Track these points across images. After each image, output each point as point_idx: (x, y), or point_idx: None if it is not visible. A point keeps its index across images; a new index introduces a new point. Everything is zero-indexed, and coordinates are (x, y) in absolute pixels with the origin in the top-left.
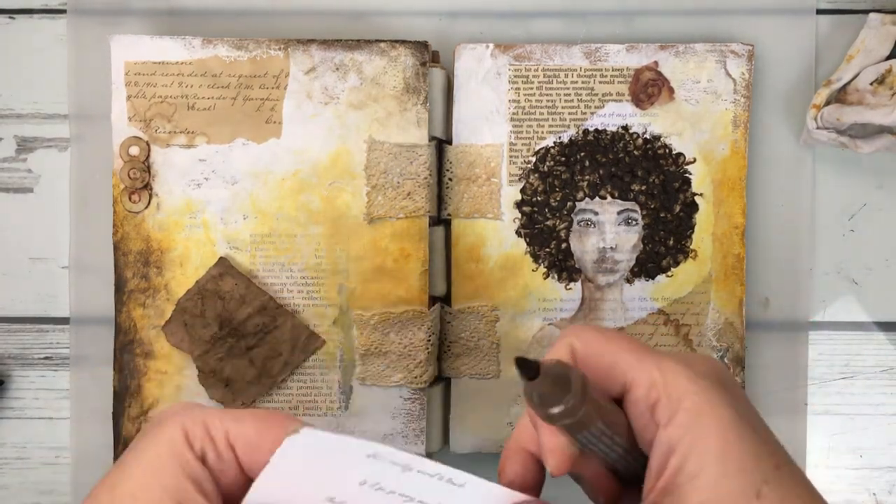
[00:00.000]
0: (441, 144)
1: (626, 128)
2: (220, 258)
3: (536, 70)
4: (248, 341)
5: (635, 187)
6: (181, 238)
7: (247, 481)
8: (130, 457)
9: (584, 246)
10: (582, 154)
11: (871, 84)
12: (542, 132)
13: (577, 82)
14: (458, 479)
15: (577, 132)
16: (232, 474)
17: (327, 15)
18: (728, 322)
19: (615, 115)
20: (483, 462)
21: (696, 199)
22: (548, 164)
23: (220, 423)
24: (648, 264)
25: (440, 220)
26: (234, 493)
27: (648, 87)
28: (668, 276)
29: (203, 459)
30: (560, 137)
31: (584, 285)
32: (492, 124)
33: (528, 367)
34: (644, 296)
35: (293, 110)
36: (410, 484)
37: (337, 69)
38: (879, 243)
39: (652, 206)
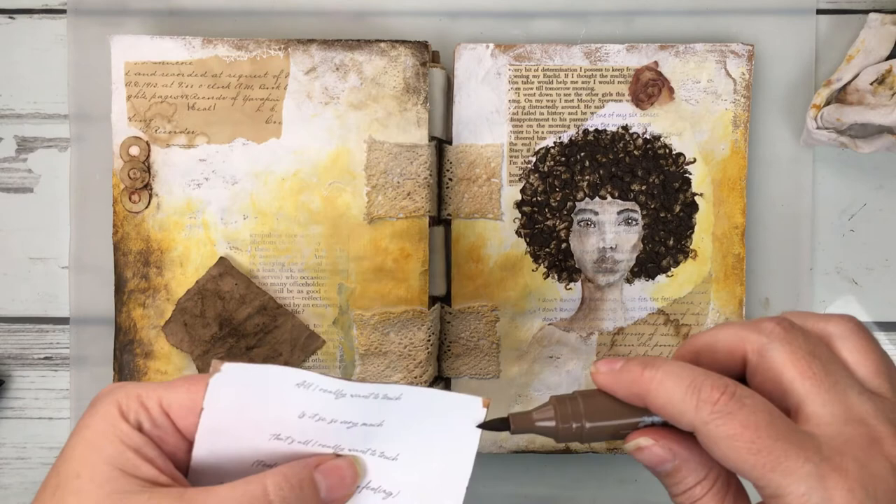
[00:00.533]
0: (441, 144)
1: (626, 128)
2: (220, 258)
3: (536, 70)
4: (248, 341)
5: (635, 187)
6: (181, 238)
7: (190, 445)
8: (71, 440)
9: (584, 246)
10: (582, 154)
11: (871, 84)
12: (542, 132)
13: (577, 82)
14: (393, 392)
15: (577, 132)
16: (172, 440)
17: (327, 15)
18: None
19: (615, 115)
20: (483, 462)
21: (696, 199)
22: (548, 164)
23: (152, 392)
24: (648, 264)
25: (440, 220)
26: (181, 457)
27: (648, 87)
28: (668, 276)
29: (140, 428)
30: (560, 137)
31: (584, 285)
32: (492, 124)
33: (502, 425)
34: (644, 296)
35: (293, 110)
36: (348, 409)
37: (337, 69)
38: (879, 243)
39: (652, 206)
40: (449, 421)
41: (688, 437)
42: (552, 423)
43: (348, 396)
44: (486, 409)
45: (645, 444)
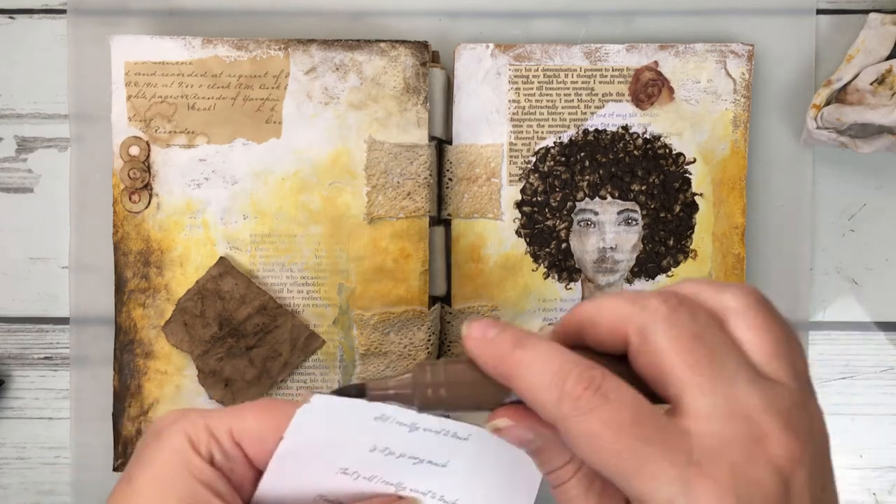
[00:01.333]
0: (441, 144)
1: (626, 128)
2: (220, 258)
3: (536, 70)
4: (247, 341)
5: (635, 187)
6: (181, 238)
7: (258, 474)
8: (137, 470)
9: (584, 246)
10: (582, 154)
11: (871, 84)
12: (542, 132)
13: (577, 82)
14: (462, 432)
15: (577, 132)
16: (242, 470)
17: (327, 15)
18: None
19: (615, 115)
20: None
21: (696, 199)
22: (548, 164)
23: (221, 422)
24: (648, 264)
25: (440, 220)
26: (247, 487)
27: (648, 87)
28: (668, 276)
29: (211, 461)
30: (560, 137)
31: (584, 285)
32: (492, 124)
33: (357, 391)
34: None
35: (293, 110)
36: (417, 444)
37: (337, 69)
38: (879, 243)
39: (652, 206)
40: (509, 468)
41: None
42: (409, 390)
43: (421, 430)
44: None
45: (503, 425)
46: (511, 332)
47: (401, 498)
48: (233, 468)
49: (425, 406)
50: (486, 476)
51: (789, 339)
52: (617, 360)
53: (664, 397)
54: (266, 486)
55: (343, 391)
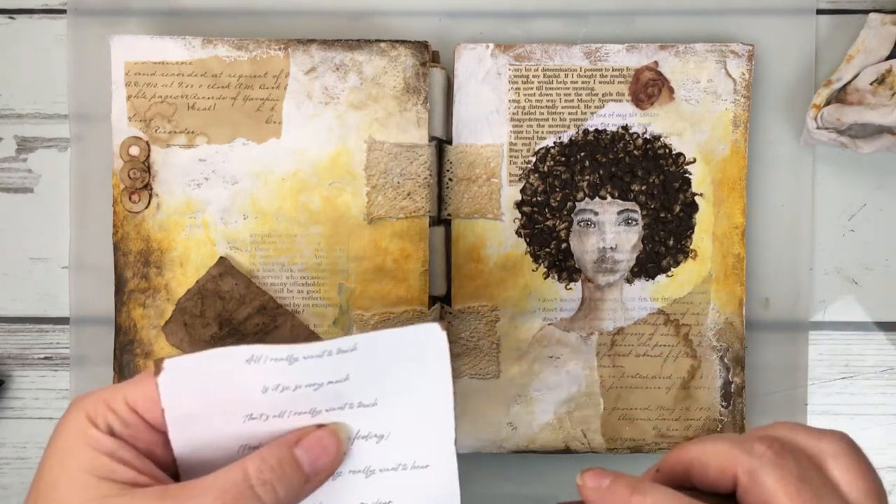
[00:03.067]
0: (441, 144)
1: (626, 128)
2: (220, 258)
3: (536, 70)
4: (247, 341)
5: (635, 187)
6: (181, 238)
7: (166, 437)
8: (45, 454)
9: (584, 246)
10: (582, 154)
11: (871, 84)
12: (542, 132)
13: (577, 82)
14: (346, 344)
15: (577, 132)
16: (146, 436)
17: (327, 15)
18: (728, 322)
19: (615, 115)
20: (483, 462)
21: (696, 199)
22: (548, 164)
23: (117, 393)
24: (648, 264)
25: (440, 220)
26: (160, 452)
27: (648, 87)
28: (668, 276)
29: (112, 432)
30: (560, 137)
31: (584, 285)
32: (492, 124)
33: None
34: (644, 296)
35: (293, 110)
36: (307, 372)
37: (337, 69)
38: (879, 243)
39: (652, 206)
40: (413, 355)
41: None
42: None
43: (301, 359)
44: (444, 333)
45: None
46: (625, 480)
47: (320, 426)
48: (135, 434)
49: None
50: (393, 370)
51: (878, 481)
52: (724, 498)
53: None
54: (179, 449)
55: None
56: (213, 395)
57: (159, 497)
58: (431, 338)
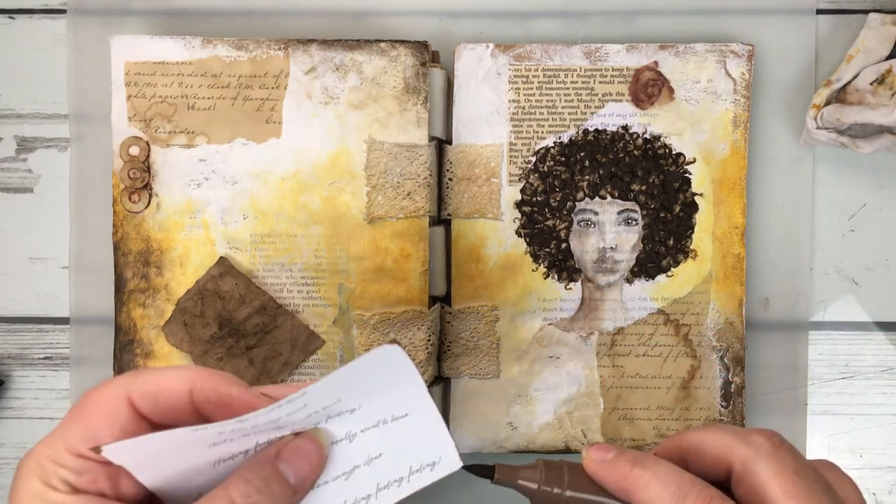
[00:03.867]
0: (441, 144)
1: (626, 128)
2: (220, 258)
3: (536, 70)
4: (247, 341)
5: (635, 187)
6: (181, 238)
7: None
8: None
9: (584, 246)
10: (582, 154)
11: (871, 84)
12: (542, 132)
13: (577, 82)
14: (295, 397)
15: (577, 132)
16: (105, 473)
17: (327, 15)
18: (728, 322)
19: (615, 115)
20: (483, 462)
21: (696, 199)
22: (548, 164)
23: (56, 445)
24: (648, 264)
25: (440, 220)
26: (126, 479)
27: (648, 87)
28: (668, 276)
29: (72, 488)
30: (560, 137)
31: (584, 285)
32: (492, 124)
33: (485, 472)
34: (644, 296)
35: (293, 110)
36: (260, 420)
37: (337, 69)
38: (879, 243)
39: (652, 206)
40: (382, 378)
41: None
42: (535, 485)
43: (251, 418)
44: (399, 348)
45: None
46: (628, 454)
47: (297, 435)
48: (94, 479)
49: (542, 501)
50: (367, 393)
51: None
52: (717, 487)
53: None
54: (150, 483)
55: (472, 469)
56: (171, 460)
57: None
58: (393, 357)
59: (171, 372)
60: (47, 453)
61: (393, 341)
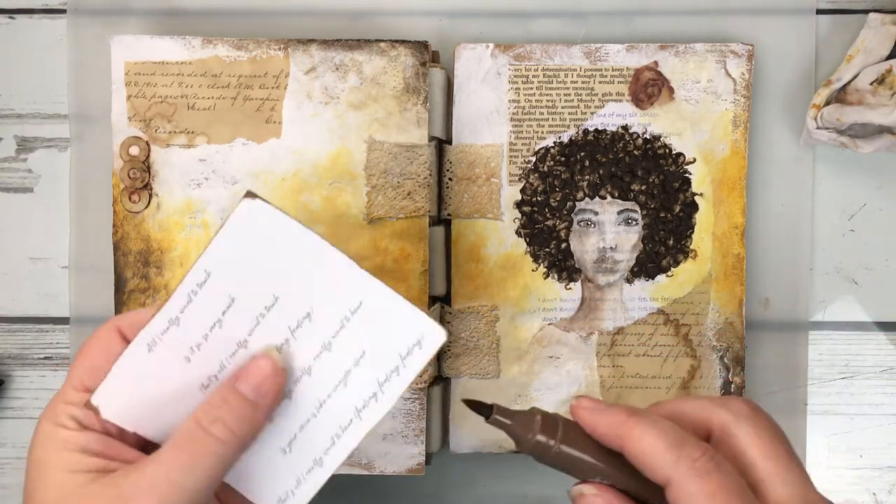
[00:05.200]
0: (441, 144)
1: (626, 128)
2: None
3: (536, 70)
4: None
5: (635, 187)
6: (181, 238)
7: None
8: (26, 476)
9: (584, 246)
10: (582, 154)
11: (871, 84)
12: (542, 132)
13: (577, 82)
14: (198, 276)
15: (577, 132)
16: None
17: (327, 15)
18: (728, 322)
19: (615, 115)
20: (483, 462)
21: (696, 199)
22: (548, 164)
23: (65, 388)
24: (648, 264)
25: (440, 220)
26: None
27: (648, 87)
28: (668, 276)
29: (81, 425)
30: (560, 137)
31: (584, 285)
32: (492, 124)
33: (482, 410)
34: (644, 296)
35: (293, 110)
36: (196, 319)
37: (337, 69)
38: (879, 243)
39: (652, 206)
40: (277, 249)
41: (631, 502)
42: (528, 434)
43: (179, 315)
44: (260, 200)
45: (588, 492)
46: (622, 405)
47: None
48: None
49: (532, 450)
50: (259, 268)
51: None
52: None
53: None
54: (147, 433)
55: (471, 404)
56: (152, 390)
57: (125, 475)
58: (255, 214)
59: (150, 307)
60: (57, 399)
61: (248, 193)
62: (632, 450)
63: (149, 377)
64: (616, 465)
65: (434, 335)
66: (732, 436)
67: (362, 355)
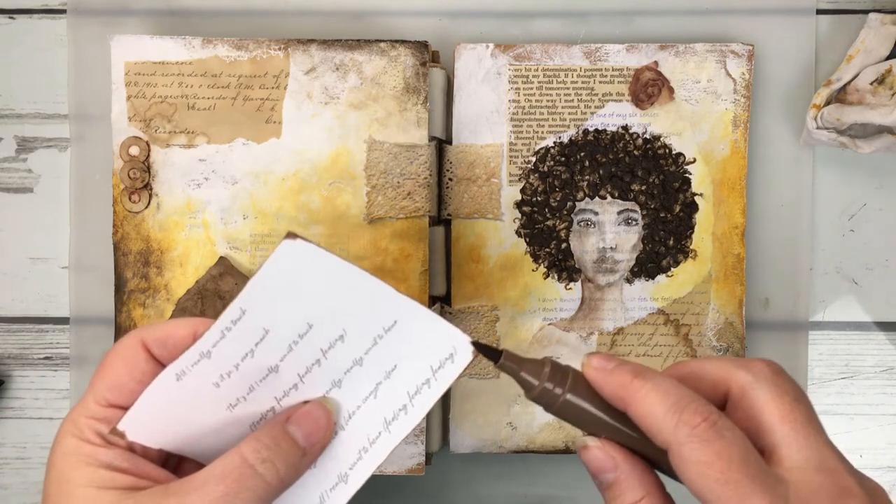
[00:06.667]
0: (441, 144)
1: (626, 128)
2: (220, 258)
3: (536, 70)
4: None
5: (635, 187)
6: (181, 238)
7: None
8: (45, 491)
9: (584, 246)
10: (582, 154)
11: (871, 84)
12: (542, 132)
13: (577, 82)
14: (233, 314)
15: (577, 132)
16: None
17: (327, 15)
18: (728, 322)
19: (615, 115)
20: (483, 462)
21: (696, 199)
22: (548, 164)
23: (87, 401)
24: (648, 264)
25: (440, 220)
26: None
27: (648, 87)
28: (668, 276)
29: (105, 441)
30: (560, 137)
31: (584, 285)
32: (492, 124)
33: (493, 354)
34: (644, 296)
35: (293, 110)
36: (228, 352)
37: (337, 69)
38: (879, 243)
39: (652, 206)
40: (316, 281)
41: (636, 458)
42: (536, 381)
43: (211, 348)
44: (301, 239)
45: (592, 443)
46: (630, 365)
47: (306, 402)
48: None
49: (539, 398)
50: (291, 296)
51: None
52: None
53: (758, 447)
54: (172, 447)
55: (480, 347)
56: (179, 415)
57: (161, 496)
58: (458, 345)
59: (177, 320)
60: (79, 412)
61: (289, 234)
62: (634, 412)
63: (176, 403)
64: (623, 424)
65: (465, 348)
66: (750, 397)
67: (394, 368)
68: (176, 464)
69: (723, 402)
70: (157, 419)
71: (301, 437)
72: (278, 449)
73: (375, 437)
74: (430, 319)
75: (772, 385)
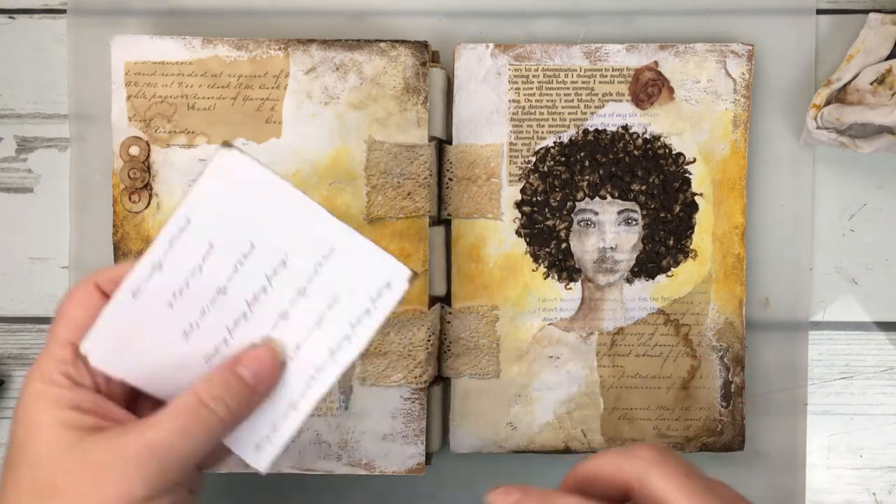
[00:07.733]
0: (441, 144)
1: (626, 128)
2: None
3: (536, 70)
4: None
5: (635, 187)
6: None
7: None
8: (11, 432)
9: (584, 246)
10: (582, 154)
11: (871, 84)
12: (542, 132)
13: (577, 82)
14: (179, 222)
15: (577, 132)
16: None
17: (327, 15)
18: (728, 322)
19: (615, 115)
20: (483, 462)
21: (696, 198)
22: (548, 164)
23: (51, 344)
24: (648, 264)
25: (440, 220)
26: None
27: (648, 87)
28: (668, 276)
29: (73, 381)
30: (560, 137)
31: (584, 285)
32: (492, 124)
33: None
34: (644, 296)
35: (293, 110)
36: (178, 264)
37: (337, 69)
38: (879, 243)
39: (652, 206)
40: (253, 196)
41: None
42: None
43: (161, 259)
44: (236, 150)
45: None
46: (535, 494)
47: (254, 346)
48: (87, 374)
49: None
50: (235, 215)
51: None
52: None
53: None
54: (131, 379)
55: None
56: (137, 338)
57: (121, 433)
58: (233, 163)
59: (127, 263)
60: (44, 358)
61: (224, 143)
62: None
63: (134, 324)
64: None
65: (402, 277)
66: (647, 485)
67: (335, 299)
68: (138, 409)
69: (626, 495)
70: (117, 343)
71: (249, 376)
72: (228, 387)
73: (321, 366)
74: (365, 246)
75: (661, 468)
